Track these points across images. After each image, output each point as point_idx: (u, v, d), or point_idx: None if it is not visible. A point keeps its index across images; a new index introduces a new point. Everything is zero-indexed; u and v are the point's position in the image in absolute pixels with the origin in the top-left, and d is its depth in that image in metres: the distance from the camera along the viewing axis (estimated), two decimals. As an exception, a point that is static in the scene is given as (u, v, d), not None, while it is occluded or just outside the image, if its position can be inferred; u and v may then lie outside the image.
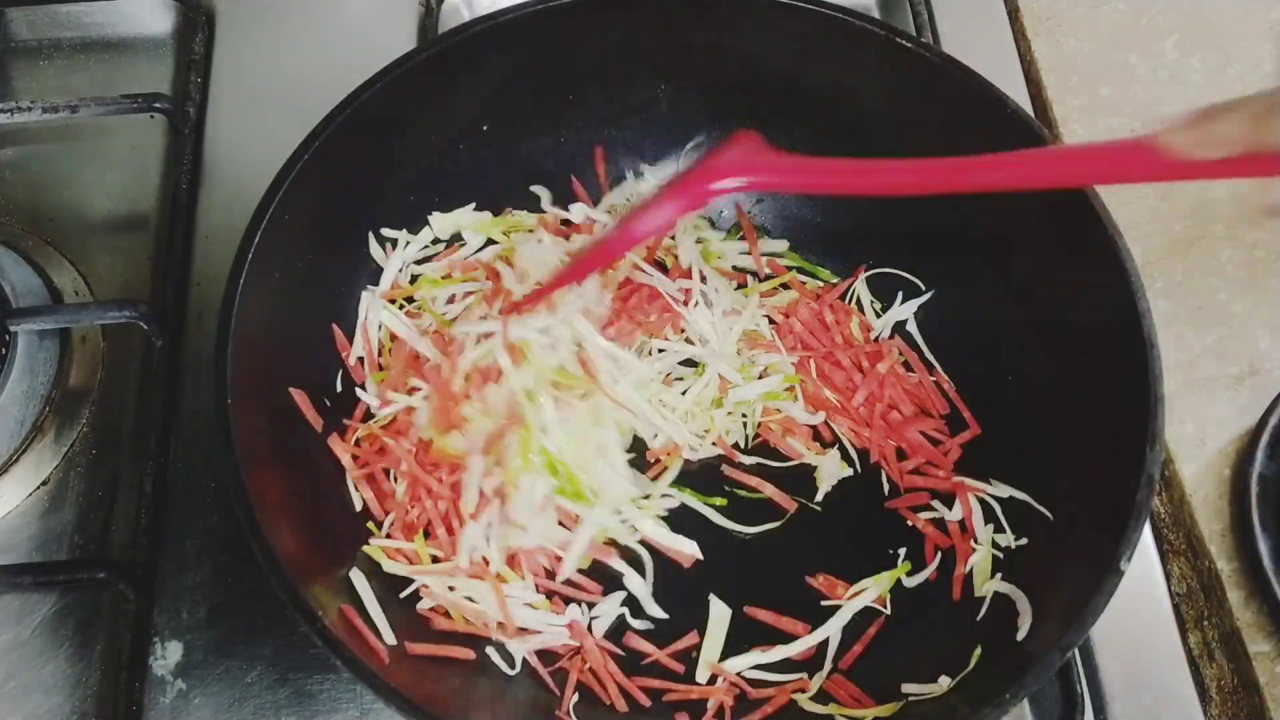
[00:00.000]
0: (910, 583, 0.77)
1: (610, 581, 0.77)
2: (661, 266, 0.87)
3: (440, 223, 0.87)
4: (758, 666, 0.73)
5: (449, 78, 0.81)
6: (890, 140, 0.84)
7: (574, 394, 0.77)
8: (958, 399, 0.84)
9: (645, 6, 0.83)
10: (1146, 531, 0.82)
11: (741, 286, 0.89)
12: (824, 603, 0.76)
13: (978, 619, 0.73)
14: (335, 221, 0.81)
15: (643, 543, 0.78)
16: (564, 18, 0.81)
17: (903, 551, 0.78)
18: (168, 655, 0.76)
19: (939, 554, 0.78)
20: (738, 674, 0.73)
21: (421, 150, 0.84)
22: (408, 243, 0.86)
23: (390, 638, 0.69)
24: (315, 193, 0.75)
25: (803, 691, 0.72)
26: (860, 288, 0.89)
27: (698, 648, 0.74)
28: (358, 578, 0.71)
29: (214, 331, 0.69)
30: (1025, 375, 0.80)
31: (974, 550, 0.76)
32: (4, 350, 0.83)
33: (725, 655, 0.74)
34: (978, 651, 0.69)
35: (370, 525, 0.77)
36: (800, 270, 0.90)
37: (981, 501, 0.78)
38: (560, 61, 0.85)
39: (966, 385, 0.85)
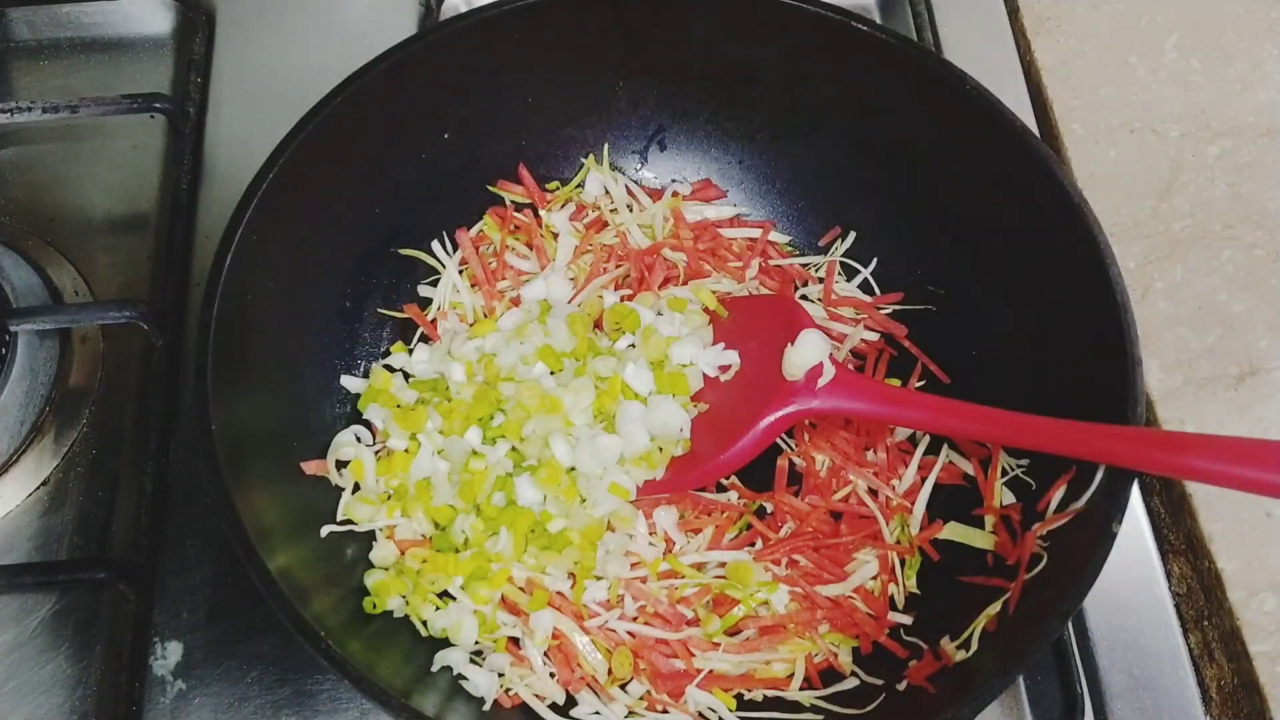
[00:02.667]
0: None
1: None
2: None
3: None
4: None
5: (408, 87, 0.80)
6: (849, 124, 0.86)
7: None
8: (928, 361, 0.85)
9: (599, 5, 0.82)
10: (1147, 531, 0.82)
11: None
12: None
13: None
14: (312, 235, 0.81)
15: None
16: (517, 21, 0.81)
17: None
18: (168, 655, 0.76)
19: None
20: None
21: (387, 161, 0.84)
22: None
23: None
24: (293, 205, 0.76)
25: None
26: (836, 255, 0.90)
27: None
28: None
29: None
30: (999, 347, 0.81)
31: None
32: (4, 350, 0.83)
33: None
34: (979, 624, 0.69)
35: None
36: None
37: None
38: (516, 65, 0.84)
39: (939, 358, 0.85)
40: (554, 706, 0.71)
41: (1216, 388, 0.84)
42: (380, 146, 0.82)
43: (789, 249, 0.92)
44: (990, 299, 0.81)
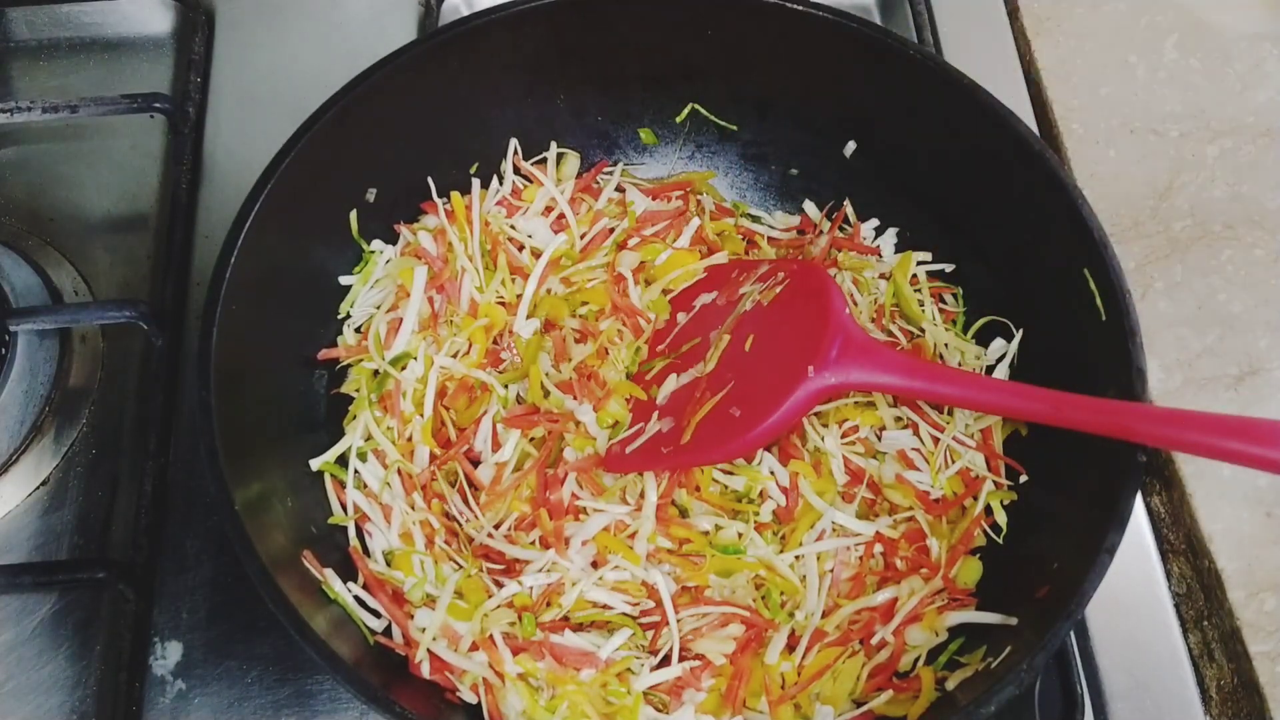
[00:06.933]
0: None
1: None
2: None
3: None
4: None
5: (349, 131, 0.80)
6: (794, 106, 0.88)
7: None
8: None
9: (529, 22, 0.82)
10: (1147, 531, 0.82)
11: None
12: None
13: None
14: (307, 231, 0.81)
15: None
16: (444, 52, 0.81)
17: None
18: (168, 655, 0.76)
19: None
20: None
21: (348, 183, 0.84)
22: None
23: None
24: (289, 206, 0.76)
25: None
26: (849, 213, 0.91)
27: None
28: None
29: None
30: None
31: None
32: (4, 350, 0.83)
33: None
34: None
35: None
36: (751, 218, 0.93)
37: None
38: (448, 94, 0.84)
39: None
40: None
41: (1216, 388, 0.84)
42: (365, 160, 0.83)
43: (745, 215, 0.93)
44: (968, 260, 0.84)
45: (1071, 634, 0.77)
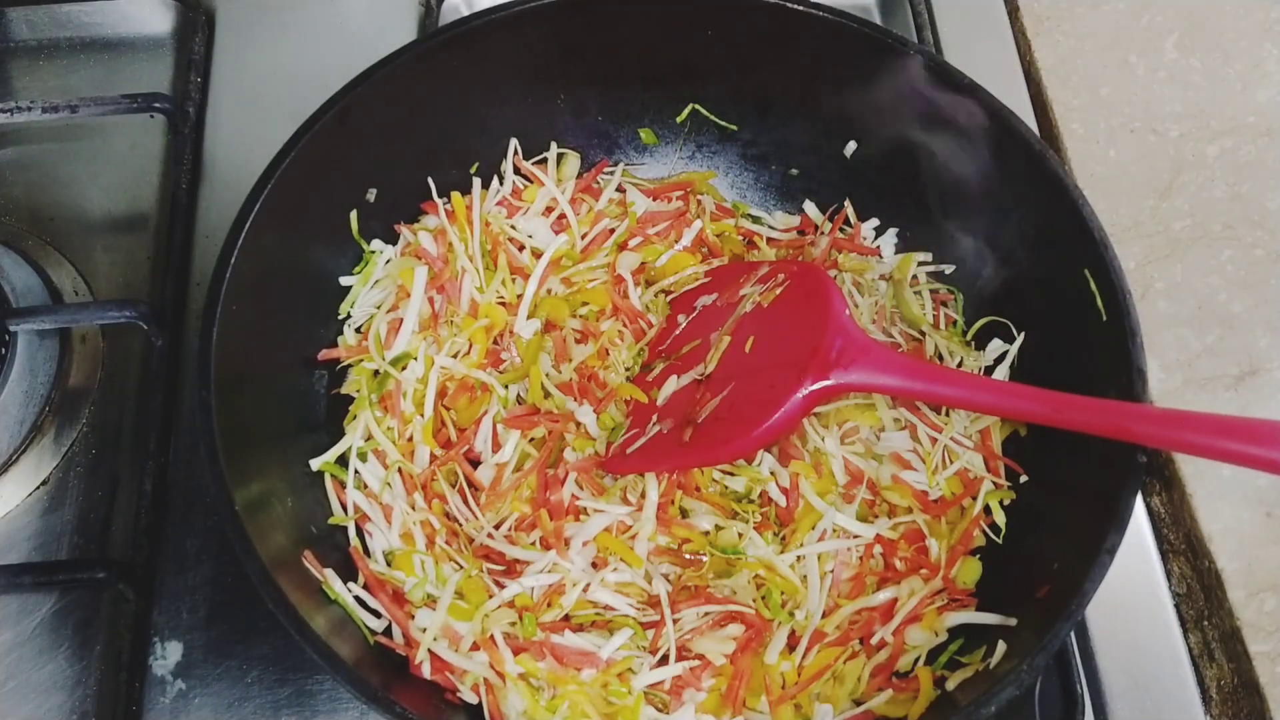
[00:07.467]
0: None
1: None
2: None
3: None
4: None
5: (347, 135, 0.80)
6: (794, 106, 0.89)
7: None
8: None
9: (529, 22, 0.82)
10: (1147, 531, 0.82)
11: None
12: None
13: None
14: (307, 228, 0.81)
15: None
16: (444, 52, 0.81)
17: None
18: (168, 655, 0.76)
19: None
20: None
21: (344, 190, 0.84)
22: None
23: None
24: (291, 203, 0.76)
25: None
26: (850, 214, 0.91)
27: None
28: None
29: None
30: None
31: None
32: (4, 350, 0.83)
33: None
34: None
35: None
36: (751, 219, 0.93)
37: None
38: (448, 94, 0.84)
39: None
40: None
41: (1216, 388, 0.84)
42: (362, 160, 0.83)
43: (745, 215, 0.93)
44: (968, 261, 0.84)
45: (1071, 634, 0.77)
